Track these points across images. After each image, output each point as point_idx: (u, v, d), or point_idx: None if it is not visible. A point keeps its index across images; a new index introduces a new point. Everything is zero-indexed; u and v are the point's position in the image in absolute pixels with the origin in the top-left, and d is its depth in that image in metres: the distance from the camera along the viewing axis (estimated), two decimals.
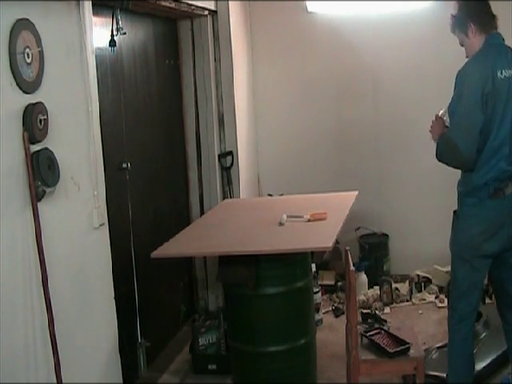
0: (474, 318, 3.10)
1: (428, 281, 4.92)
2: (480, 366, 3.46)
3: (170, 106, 4.44)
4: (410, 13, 4.87)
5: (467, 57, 3.04)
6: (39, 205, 2.43)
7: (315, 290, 4.34)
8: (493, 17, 3.03)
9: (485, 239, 2.96)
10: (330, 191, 4.42)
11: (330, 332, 4.36)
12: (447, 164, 3.02)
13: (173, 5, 3.90)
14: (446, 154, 2.97)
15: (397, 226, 5.15)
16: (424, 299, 4.78)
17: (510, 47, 3.04)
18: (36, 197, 2.40)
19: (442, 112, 3.13)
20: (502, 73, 2.89)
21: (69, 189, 2.69)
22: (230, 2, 4.61)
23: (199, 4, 4.25)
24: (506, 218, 2.97)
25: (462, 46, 3.07)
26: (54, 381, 2.46)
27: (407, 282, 4.92)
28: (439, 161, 3.04)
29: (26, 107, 2.39)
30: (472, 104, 2.85)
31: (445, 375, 3.31)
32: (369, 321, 4.18)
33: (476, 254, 2.98)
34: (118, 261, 3.17)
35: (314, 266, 4.45)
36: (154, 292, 3.96)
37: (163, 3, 3.78)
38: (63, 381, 2.47)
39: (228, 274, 3.38)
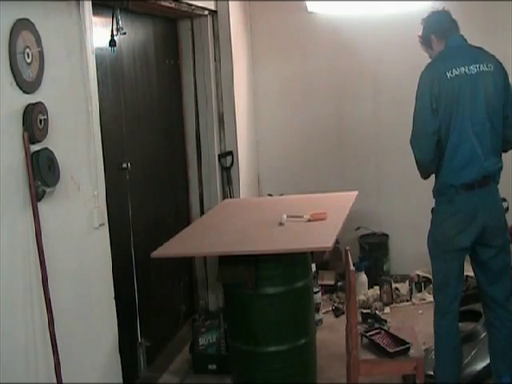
0: (456, 312, 3.13)
1: (428, 281, 4.91)
2: (480, 365, 3.45)
3: (170, 105, 4.44)
4: (410, 13, 4.86)
5: None
6: (39, 205, 2.43)
7: (315, 290, 4.34)
8: (453, 22, 3.13)
9: (457, 232, 3.01)
10: (330, 191, 4.42)
11: (330, 332, 4.36)
12: (424, 176, 3.19)
13: (173, 5, 3.90)
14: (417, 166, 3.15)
15: (397, 226, 5.15)
16: (424, 299, 4.78)
17: (474, 46, 3.09)
18: (36, 197, 2.40)
19: None
20: (452, 72, 2.94)
21: (69, 189, 2.69)
22: (230, 2, 4.61)
23: (199, 4, 4.25)
24: (477, 210, 3.00)
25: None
26: (54, 381, 2.46)
27: (407, 282, 4.92)
28: (423, 178, 3.24)
29: (26, 107, 2.39)
30: (422, 108, 3.00)
31: None
32: (369, 321, 4.17)
33: (448, 248, 3.05)
34: (118, 261, 3.17)
35: (314, 265, 4.45)
36: (154, 292, 3.96)
37: (163, 3, 3.79)
38: (63, 381, 2.47)
39: (228, 274, 3.38)
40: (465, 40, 3.10)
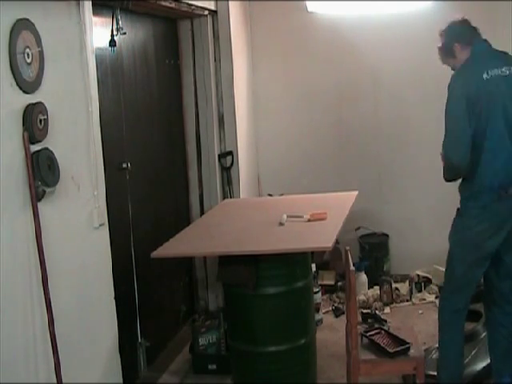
0: (466, 313, 3.17)
1: (428, 281, 4.92)
2: (480, 366, 3.45)
3: (170, 106, 4.44)
4: (410, 13, 4.87)
5: None
6: (39, 205, 2.43)
7: (315, 290, 4.34)
8: (475, 29, 3.16)
9: (487, 237, 2.99)
10: (330, 191, 4.42)
11: (330, 332, 4.36)
12: (451, 180, 3.10)
13: (173, 5, 3.90)
14: (445, 170, 3.07)
15: (397, 226, 5.15)
16: (424, 299, 4.78)
17: (499, 50, 3.13)
18: (36, 197, 2.40)
19: None
20: (488, 73, 2.96)
21: (69, 189, 2.69)
22: (230, 2, 4.61)
23: (199, 4, 4.25)
24: (506, 216, 3.00)
25: (454, 70, 3.16)
26: (54, 381, 2.46)
27: (407, 281, 4.92)
28: (447, 181, 3.13)
29: (26, 107, 2.39)
30: (458, 113, 2.94)
31: None
32: (369, 321, 4.18)
33: (477, 254, 3.03)
34: (118, 261, 3.17)
35: (314, 265, 4.45)
36: (154, 292, 3.96)
37: (163, 3, 3.78)
38: (63, 381, 2.47)
39: (228, 274, 3.38)
40: (490, 45, 3.13)
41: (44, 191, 2.47)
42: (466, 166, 2.96)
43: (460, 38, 3.11)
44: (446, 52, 3.16)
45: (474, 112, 2.91)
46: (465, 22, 3.17)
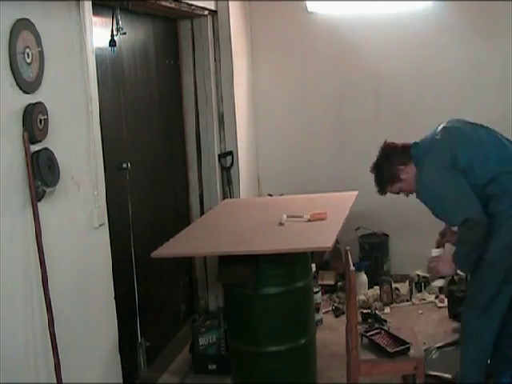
0: (498, 329, 3.04)
1: (428, 281, 4.92)
2: None
3: (170, 105, 4.44)
4: (410, 13, 4.87)
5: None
6: (39, 205, 2.43)
7: (315, 290, 4.34)
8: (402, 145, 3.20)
9: None
10: (330, 191, 4.42)
11: (330, 332, 4.36)
12: (476, 243, 2.97)
13: (173, 5, 3.90)
14: (471, 238, 2.94)
15: (397, 226, 5.15)
16: (424, 299, 4.79)
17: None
18: (36, 197, 2.40)
19: (434, 252, 3.27)
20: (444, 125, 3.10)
21: (69, 189, 2.69)
22: (230, 2, 4.61)
23: (199, 4, 4.25)
24: None
25: (398, 193, 3.23)
26: (54, 381, 2.46)
27: (407, 282, 4.92)
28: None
29: (26, 107, 2.39)
30: (453, 181, 2.96)
31: (445, 375, 3.32)
32: (369, 321, 4.18)
33: None
34: (118, 261, 3.17)
35: (314, 265, 4.45)
36: (154, 292, 3.97)
37: (163, 3, 3.78)
38: (63, 381, 2.47)
39: (228, 273, 3.38)
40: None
41: (44, 191, 2.47)
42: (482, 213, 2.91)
43: (399, 160, 3.14)
44: (392, 180, 3.17)
45: (460, 161, 2.97)
46: (391, 144, 3.23)
